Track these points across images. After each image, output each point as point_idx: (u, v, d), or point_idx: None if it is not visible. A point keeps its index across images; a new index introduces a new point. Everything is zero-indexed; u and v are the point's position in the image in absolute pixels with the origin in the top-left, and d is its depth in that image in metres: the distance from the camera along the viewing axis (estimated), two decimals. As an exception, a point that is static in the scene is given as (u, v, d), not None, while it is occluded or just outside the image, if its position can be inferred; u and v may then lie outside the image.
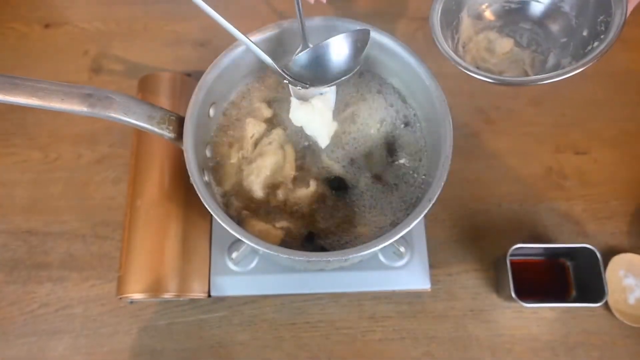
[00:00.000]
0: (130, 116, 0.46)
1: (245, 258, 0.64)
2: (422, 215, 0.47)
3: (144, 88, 0.69)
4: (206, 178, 0.53)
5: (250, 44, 0.48)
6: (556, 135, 0.78)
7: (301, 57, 0.49)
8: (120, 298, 0.60)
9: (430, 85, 0.52)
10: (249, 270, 0.64)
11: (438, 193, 0.48)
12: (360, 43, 0.50)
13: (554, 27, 0.53)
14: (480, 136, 0.78)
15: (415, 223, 0.47)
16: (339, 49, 0.49)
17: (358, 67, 0.51)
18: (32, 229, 0.72)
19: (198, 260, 0.64)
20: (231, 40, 0.54)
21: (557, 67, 0.52)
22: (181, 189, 0.64)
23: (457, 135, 0.50)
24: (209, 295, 0.64)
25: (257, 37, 0.54)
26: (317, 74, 0.50)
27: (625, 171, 0.75)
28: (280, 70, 0.49)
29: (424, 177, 0.56)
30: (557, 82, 0.84)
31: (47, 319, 0.67)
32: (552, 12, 0.53)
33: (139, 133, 0.67)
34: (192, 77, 0.72)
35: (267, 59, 0.49)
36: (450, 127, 0.50)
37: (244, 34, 0.48)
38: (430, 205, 0.47)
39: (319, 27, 0.55)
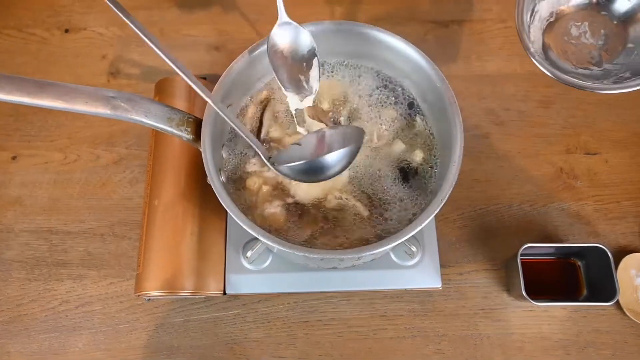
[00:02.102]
0: (150, 118, 0.47)
1: (259, 257, 0.66)
2: (433, 215, 0.48)
3: (161, 91, 0.71)
4: (222, 178, 0.55)
5: (241, 130, 0.49)
6: (566, 136, 0.79)
7: (297, 166, 0.48)
8: (138, 295, 0.62)
9: (441, 87, 0.53)
10: (263, 268, 0.66)
11: (449, 193, 0.49)
12: (352, 154, 0.49)
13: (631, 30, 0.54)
14: (491, 137, 0.79)
15: (426, 223, 0.48)
16: (334, 160, 0.48)
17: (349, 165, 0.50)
18: (53, 228, 0.74)
19: (213, 258, 0.65)
20: (245, 45, 0.55)
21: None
22: (197, 189, 0.66)
23: (467, 137, 0.52)
24: (224, 293, 0.65)
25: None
26: (307, 177, 0.50)
27: (636, 171, 0.76)
28: (267, 163, 0.49)
29: (434, 177, 0.57)
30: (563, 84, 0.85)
31: (68, 316, 0.69)
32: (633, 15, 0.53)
33: (156, 135, 0.69)
34: (207, 80, 0.74)
35: (258, 147, 0.49)
36: (461, 128, 0.51)
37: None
38: (442, 205, 0.48)
39: (329, 30, 0.56)
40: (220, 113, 0.48)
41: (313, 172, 0.49)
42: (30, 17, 0.88)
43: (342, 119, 0.59)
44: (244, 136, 0.49)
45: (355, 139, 0.49)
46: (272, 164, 0.50)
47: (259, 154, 0.50)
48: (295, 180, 0.50)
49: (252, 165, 0.57)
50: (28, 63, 0.85)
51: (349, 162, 0.50)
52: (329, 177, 0.50)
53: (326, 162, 0.48)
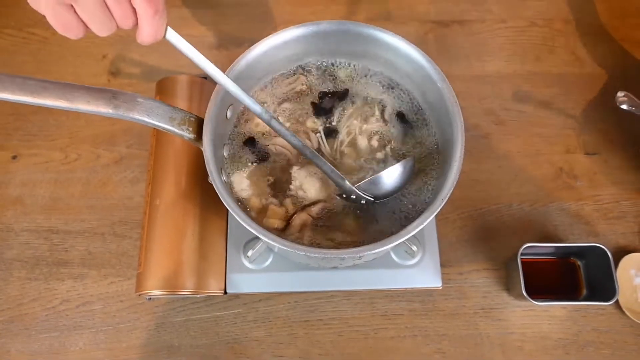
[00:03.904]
0: (152, 117, 0.48)
1: (260, 256, 0.66)
2: (434, 215, 0.48)
3: (162, 91, 0.71)
4: (224, 177, 0.55)
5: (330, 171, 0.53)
6: (566, 136, 0.79)
7: (364, 183, 0.53)
8: (139, 295, 0.62)
9: (442, 87, 0.53)
10: (264, 268, 0.66)
11: (449, 193, 0.49)
12: (409, 169, 0.54)
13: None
14: (491, 137, 0.79)
15: (427, 222, 0.48)
16: (392, 176, 0.54)
17: (405, 184, 0.56)
18: (53, 227, 0.74)
19: (214, 258, 0.65)
20: (246, 45, 0.55)
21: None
22: (198, 189, 0.66)
23: (467, 137, 0.52)
24: (225, 292, 0.65)
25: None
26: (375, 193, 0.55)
27: (635, 172, 0.76)
28: (356, 190, 0.53)
29: (435, 177, 0.57)
30: (566, 83, 0.86)
31: (68, 315, 0.69)
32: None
33: (157, 134, 0.69)
34: (208, 80, 0.74)
35: (342, 182, 0.53)
36: (461, 128, 0.52)
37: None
38: (442, 204, 0.49)
39: (330, 30, 0.56)
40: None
41: (377, 187, 0.54)
42: (30, 16, 0.88)
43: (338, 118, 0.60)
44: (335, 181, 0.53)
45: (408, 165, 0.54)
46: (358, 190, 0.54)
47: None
48: (370, 199, 0.54)
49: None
50: (28, 62, 0.85)
51: (407, 177, 0.54)
52: (389, 192, 0.55)
53: (384, 177, 0.53)
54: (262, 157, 0.58)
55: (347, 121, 0.60)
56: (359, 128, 0.59)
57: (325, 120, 0.60)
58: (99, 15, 0.37)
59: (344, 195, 0.55)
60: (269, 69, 0.60)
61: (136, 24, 0.38)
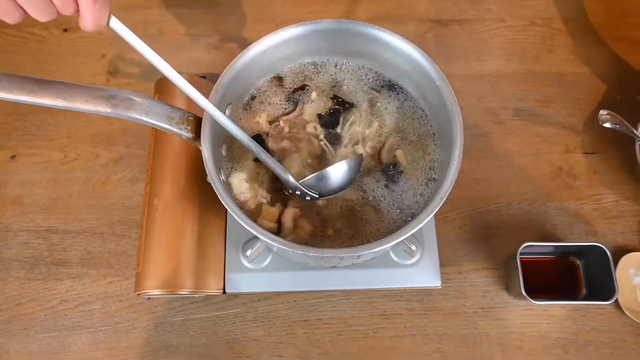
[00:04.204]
0: (150, 117, 0.47)
1: (259, 255, 0.66)
2: (433, 214, 0.48)
3: (160, 90, 0.71)
4: (222, 177, 0.55)
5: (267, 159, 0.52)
6: (565, 136, 0.79)
7: (309, 179, 0.54)
8: (138, 294, 0.62)
9: (441, 85, 0.53)
10: (263, 267, 0.66)
11: (449, 192, 0.49)
12: (355, 166, 0.55)
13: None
14: (490, 136, 0.79)
15: (426, 221, 0.48)
16: (338, 172, 0.54)
17: (352, 182, 0.56)
18: (52, 227, 0.74)
19: (213, 257, 0.65)
20: (245, 44, 0.55)
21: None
22: (196, 188, 0.66)
23: (467, 136, 0.52)
24: (224, 292, 0.65)
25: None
26: (321, 190, 0.55)
27: (634, 171, 0.76)
28: (300, 186, 0.53)
29: (434, 176, 0.57)
30: (565, 82, 0.86)
31: (67, 315, 0.69)
32: None
33: (156, 134, 0.69)
34: (206, 79, 0.74)
35: (286, 176, 0.53)
36: (460, 127, 0.51)
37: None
38: (441, 203, 0.48)
39: (329, 29, 0.56)
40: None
41: (323, 184, 0.54)
42: (28, 16, 0.88)
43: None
44: (268, 163, 0.52)
45: (355, 162, 0.55)
46: (301, 184, 0.54)
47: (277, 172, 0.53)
48: (315, 195, 0.54)
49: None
50: (27, 62, 0.85)
51: (351, 178, 0.55)
52: (336, 189, 0.55)
53: (331, 172, 0.54)
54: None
55: (350, 128, 0.59)
56: (361, 134, 0.59)
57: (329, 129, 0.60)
58: (38, 2, 0.37)
59: (290, 191, 0.55)
60: (268, 68, 0.60)
61: (77, 11, 0.38)
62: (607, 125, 0.70)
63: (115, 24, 0.41)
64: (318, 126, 0.59)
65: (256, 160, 0.58)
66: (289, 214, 0.55)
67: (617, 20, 0.87)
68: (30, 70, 0.84)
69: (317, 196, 0.55)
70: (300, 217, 0.56)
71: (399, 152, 0.58)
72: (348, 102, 0.60)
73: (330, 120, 0.59)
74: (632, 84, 0.82)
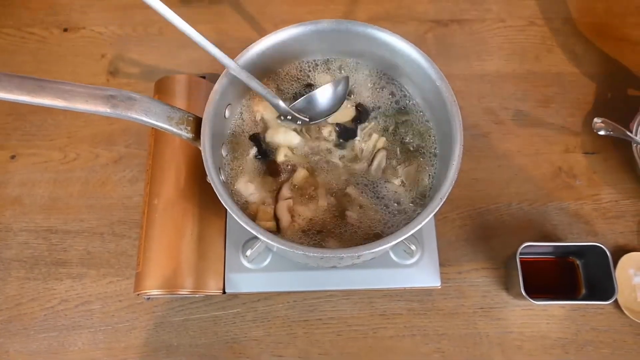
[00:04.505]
0: (150, 117, 0.47)
1: (259, 255, 0.66)
2: (433, 214, 0.48)
3: (160, 90, 0.71)
4: (222, 177, 0.55)
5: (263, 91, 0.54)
6: (565, 136, 0.79)
7: (299, 102, 0.57)
8: (138, 294, 0.62)
9: (440, 86, 0.53)
10: (263, 267, 0.66)
11: (448, 192, 0.49)
12: (341, 89, 0.58)
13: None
14: (490, 137, 0.79)
15: (426, 221, 0.48)
16: (325, 95, 0.57)
17: (340, 105, 0.59)
18: (52, 227, 0.74)
19: (213, 257, 0.65)
20: (245, 43, 0.55)
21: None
22: (196, 188, 0.66)
23: (467, 136, 0.52)
24: (224, 292, 0.65)
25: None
26: (311, 113, 0.58)
27: (634, 171, 0.76)
28: (291, 111, 0.56)
29: (434, 177, 0.57)
30: (565, 82, 0.86)
31: (67, 315, 0.69)
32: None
33: (156, 134, 0.69)
34: (206, 79, 0.74)
35: (276, 101, 0.55)
36: (460, 127, 0.51)
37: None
38: (441, 203, 0.48)
39: (329, 29, 0.56)
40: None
41: (312, 106, 0.57)
42: (29, 16, 0.88)
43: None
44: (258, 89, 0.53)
45: (342, 83, 0.58)
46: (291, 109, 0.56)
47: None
48: (305, 119, 0.57)
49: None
50: (27, 62, 0.85)
51: (339, 99, 0.58)
52: (325, 112, 0.58)
53: (318, 94, 0.56)
54: (264, 154, 0.58)
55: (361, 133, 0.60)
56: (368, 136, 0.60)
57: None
58: None
59: (282, 118, 0.58)
60: (268, 67, 0.60)
61: None
62: (602, 132, 0.70)
63: None
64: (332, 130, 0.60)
65: (256, 157, 0.58)
66: (283, 206, 0.55)
67: (617, 20, 0.87)
68: (30, 70, 0.84)
69: (307, 120, 0.57)
70: (295, 206, 0.56)
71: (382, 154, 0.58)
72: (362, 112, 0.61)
73: (348, 135, 0.60)
74: (631, 84, 0.82)
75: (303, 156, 0.58)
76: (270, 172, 0.58)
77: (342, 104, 0.58)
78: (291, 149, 0.59)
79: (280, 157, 0.58)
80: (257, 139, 0.59)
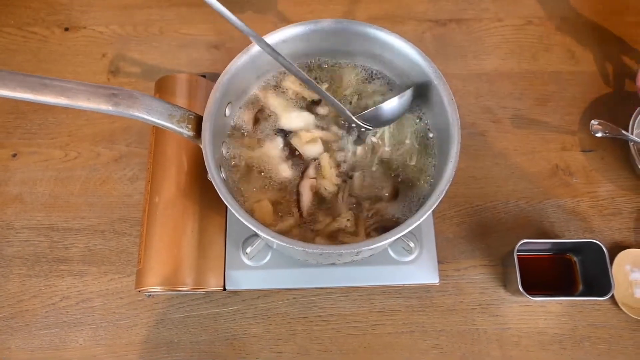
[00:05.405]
0: (152, 115, 0.48)
1: (259, 253, 0.66)
2: (431, 211, 0.49)
3: (161, 89, 0.72)
4: (223, 174, 0.55)
5: (331, 99, 0.54)
6: (562, 134, 0.80)
7: (367, 113, 0.57)
8: (139, 291, 0.63)
9: (438, 84, 0.54)
10: (263, 264, 0.66)
11: (446, 189, 0.49)
12: (406, 100, 0.57)
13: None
14: (487, 135, 0.80)
15: (424, 218, 0.49)
16: (391, 106, 0.57)
17: (402, 114, 0.59)
18: (53, 224, 0.74)
19: (213, 255, 0.66)
20: (245, 43, 0.56)
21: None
22: (197, 186, 0.67)
23: (464, 134, 0.52)
24: (224, 289, 0.66)
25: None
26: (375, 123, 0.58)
27: (631, 168, 0.77)
28: (355, 119, 0.56)
29: (432, 174, 0.58)
30: (562, 81, 0.86)
31: (68, 312, 0.70)
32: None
33: (157, 132, 0.69)
34: (206, 78, 0.75)
35: (346, 112, 0.56)
36: (458, 125, 0.52)
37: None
38: (439, 201, 0.49)
39: (328, 29, 0.57)
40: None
41: (378, 118, 0.57)
42: (30, 15, 0.88)
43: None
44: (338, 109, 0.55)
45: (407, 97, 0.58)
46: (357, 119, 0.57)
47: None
48: (369, 127, 0.58)
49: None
50: (28, 61, 0.85)
51: (404, 108, 0.58)
52: (388, 121, 0.59)
53: (384, 108, 0.56)
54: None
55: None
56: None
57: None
58: None
59: (346, 125, 0.59)
60: (267, 67, 0.61)
61: None
62: (599, 135, 0.71)
63: None
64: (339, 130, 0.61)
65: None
66: (306, 184, 0.58)
67: (615, 19, 0.88)
68: (31, 69, 0.84)
69: (371, 128, 0.58)
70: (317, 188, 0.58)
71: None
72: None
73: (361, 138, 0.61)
74: (628, 82, 0.83)
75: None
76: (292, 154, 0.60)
77: (403, 114, 0.58)
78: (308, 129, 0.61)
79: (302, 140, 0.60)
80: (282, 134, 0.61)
